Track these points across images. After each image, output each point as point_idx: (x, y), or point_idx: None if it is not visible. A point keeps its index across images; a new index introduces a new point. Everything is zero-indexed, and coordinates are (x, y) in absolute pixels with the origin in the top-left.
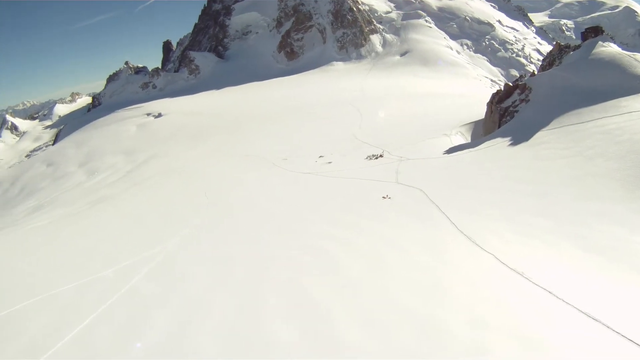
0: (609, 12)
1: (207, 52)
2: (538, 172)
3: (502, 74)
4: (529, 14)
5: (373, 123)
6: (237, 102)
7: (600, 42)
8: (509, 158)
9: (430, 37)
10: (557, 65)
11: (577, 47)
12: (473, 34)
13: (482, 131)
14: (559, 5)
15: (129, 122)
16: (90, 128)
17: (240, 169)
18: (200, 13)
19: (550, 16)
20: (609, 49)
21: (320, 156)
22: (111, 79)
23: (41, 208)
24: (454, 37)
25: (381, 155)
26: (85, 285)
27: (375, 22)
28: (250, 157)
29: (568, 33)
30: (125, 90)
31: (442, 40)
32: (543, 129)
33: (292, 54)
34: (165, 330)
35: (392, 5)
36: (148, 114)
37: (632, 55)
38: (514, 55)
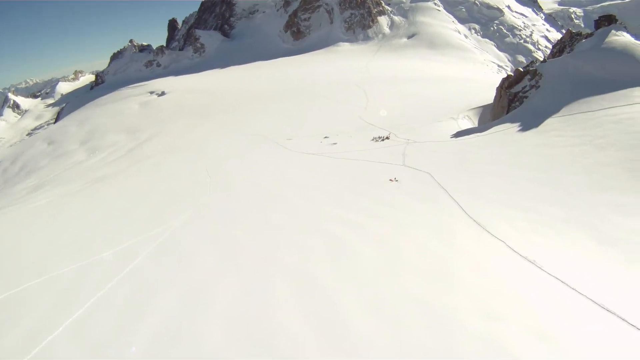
0: (620, 1)
1: (213, 31)
2: (548, 160)
3: (509, 60)
4: (538, 1)
5: (379, 105)
6: (241, 81)
7: (613, 31)
8: (518, 144)
9: (439, 20)
10: (569, 53)
11: (590, 34)
12: (482, 19)
13: (490, 116)
14: None
15: (131, 100)
16: (93, 106)
17: (244, 148)
18: None
19: (559, 3)
20: (622, 38)
21: (326, 137)
22: (115, 57)
23: (41, 187)
24: (462, 21)
25: (387, 138)
26: (85, 267)
27: (383, 4)
28: (254, 136)
29: (577, 21)
30: (129, 68)
31: (450, 24)
32: (553, 116)
33: (298, 33)
34: (167, 316)
35: None
36: (151, 92)
37: None
38: (522, 41)
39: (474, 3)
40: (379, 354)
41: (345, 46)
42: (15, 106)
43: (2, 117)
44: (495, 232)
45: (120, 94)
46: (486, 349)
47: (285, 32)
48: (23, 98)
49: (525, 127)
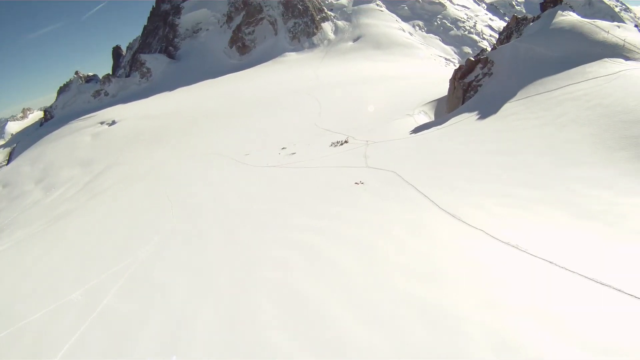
0: None
1: (158, 54)
2: (512, 143)
3: (455, 52)
4: None
5: (333, 110)
6: (191, 102)
7: (559, 12)
8: (480, 132)
9: (382, 20)
10: (517, 38)
11: (537, 17)
12: (425, 15)
13: (446, 108)
14: None
15: (83, 133)
16: (44, 143)
17: (203, 169)
18: (149, 15)
19: None
20: (569, 17)
21: (283, 148)
22: (62, 90)
23: (0, 232)
24: (405, 19)
25: (346, 141)
26: (54, 312)
27: (326, 10)
28: (211, 156)
29: (518, 7)
30: (77, 100)
31: (394, 23)
32: (510, 101)
33: (244, 48)
34: (150, 352)
35: None
36: (102, 123)
37: (592, 22)
38: (467, 32)
39: (416, 0)
40: None
41: (292, 56)
42: None
43: None
44: (472, 222)
45: (70, 128)
46: (492, 340)
47: (231, 47)
48: None
49: (484, 115)
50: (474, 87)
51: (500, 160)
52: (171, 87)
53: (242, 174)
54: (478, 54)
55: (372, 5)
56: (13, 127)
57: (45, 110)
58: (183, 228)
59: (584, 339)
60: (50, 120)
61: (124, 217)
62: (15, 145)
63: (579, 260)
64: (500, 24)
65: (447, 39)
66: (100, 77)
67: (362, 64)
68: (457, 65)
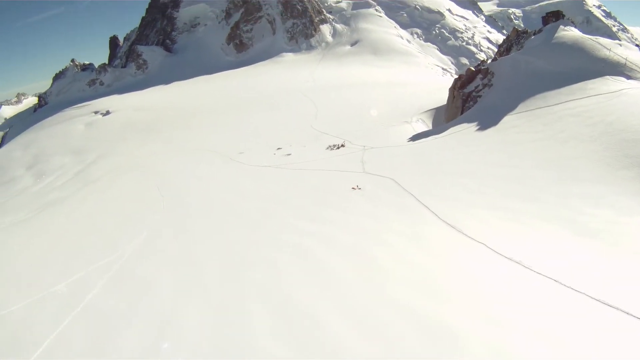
0: (558, 0)
1: (155, 46)
2: (512, 156)
3: (452, 62)
4: (478, 3)
5: (329, 113)
6: (186, 96)
7: (561, 26)
8: (479, 143)
9: (381, 26)
10: (518, 50)
11: (538, 31)
12: (423, 23)
13: (445, 117)
14: None
15: (76, 121)
16: (37, 129)
17: (195, 165)
18: (147, 6)
19: (498, 5)
20: (571, 32)
21: (279, 148)
22: (57, 77)
23: None
24: (404, 26)
25: (342, 145)
26: (37, 303)
27: (325, 12)
28: (204, 152)
29: (516, 22)
30: (72, 88)
31: (392, 30)
32: (510, 113)
33: (241, 45)
34: (134, 351)
35: None
36: (96, 112)
37: (594, 39)
38: (464, 43)
39: (415, 8)
40: None
41: (289, 56)
42: None
43: None
44: (473, 234)
45: (64, 115)
46: (492, 356)
47: (228, 44)
48: None
49: (483, 126)
50: (474, 98)
51: (501, 172)
52: (167, 80)
53: (236, 172)
54: (478, 65)
55: (372, 10)
56: (7, 112)
57: (40, 96)
58: (173, 223)
59: None
60: (45, 107)
61: (114, 208)
62: (8, 129)
63: (583, 280)
64: (498, 37)
65: (444, 49)
66: (96, 67)
67: (359, 69)
68: (455, 75)
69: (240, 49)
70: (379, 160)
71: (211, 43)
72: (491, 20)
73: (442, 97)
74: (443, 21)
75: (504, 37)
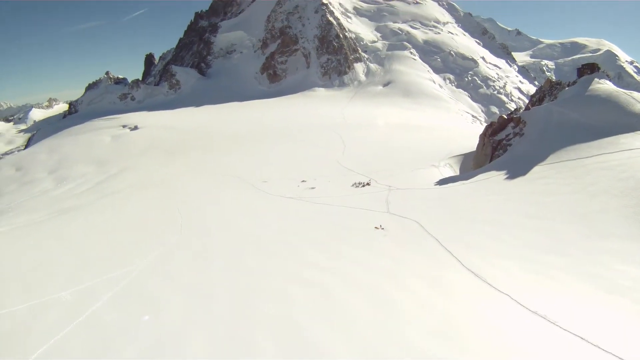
0: (590, 54)
1: (189, 68)
2: (540, 207)
3: (482, 110)
4: (512, 53)
5: (356, 151)
6: (216, 120)
7: (596, 79)
8: (507, 192)
9: (414, 69)
10: (550, 101)
11: (572, 83)
12: (456, 69)
13: (473, 164)
14: (541, 45)
15: (104, 132)
16: (64, 135)
17: (218, 188)
18: (186, 29)
19: (532, 56)
20: (606, 85)
21: (303, 181)
22: (90, 87)
23: (4, 213)
24: (437, 70)
25: (368, 184)
26: (38, 307)
27: (360, 51)
28: (228, 176)
29: (548, 73)
30: (104, 99)
31: (425, 73)
32: (540, 164)
33: (274, 76)
34: None
35: (379, 35)
36: (124, 126)
37: (628, 93)
38: (496, 92)
39: (449, 53)
40: None
41: (321, 91)
42: None
43: None
44: (497, 284)
45: (92, 125)
46: None
47: (262, 74)
48: None
49: (512, 175)
50: (504, 146)
51: (528, 223)
52: (198, 102)
53: (258, 200)
54: (511, 113)
55: (406, 52)
56: (37, 114)
57: (71, 104)
58: (188, 244)
59: None
60: (74, 114)
61: (130, 223)
62: (36, 132)
63: (611, 338)
64: (529, 88)
65: (475, 96)
66: (130, 81)
67: (390, 109)
68: (484, 124)
69: (274, 79)
70: (404, 202)
71: (245, 71)
72: (524, 70)
73: (470, 144)
74: (476, 68)
75: (536, 88)
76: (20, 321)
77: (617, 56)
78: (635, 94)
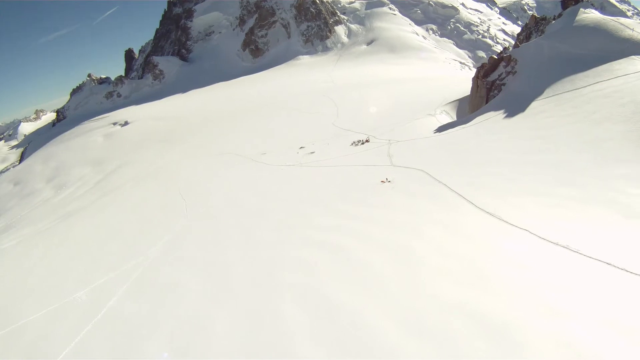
0: None
1: (171, 56)
2: (545, 142)
3: (469, 56)
4: None
5: (350, 111)
6: (205, 103)
7: (582, 9)
8: (509, 130)
9: (395, 24)
10: (539, 36)
11: (559, 16)
12: (438, 19)
13: (469, 108)
14: None
15: (95, 133)
16: (56, 142)
17: (217, 168)
18: (161, 18)
19: None
20: (592, 14)
21: (301, 147)
22: (75, 91)
23: (9, 229)
24: (419, 22)
25: (367, 141)
26: (56, 311)
27: (339, 13)
28: (226, 155)
29: (530, 12)
30: (90, 101)
31: (407, 27)
32: (537, 99)
33: (257, 50)
34: None
35: None
36: (114, 123)
37: (616, 20)
38: (480, 36)
39: (429, 4)
40: None
41: (305, 59)
42: None
43: None
44: (514, 221)
45: (82, 128)
46: (566, 355)
47: (244, 50)
48: None
49: (511, 113)
50: (498, 86)
51: (535, 158)
52: (184, 89)
53: (260, 173)
54: (501, 52)
55: (385, 8)
56: (26, 128)
57: (58, 111)
58: (197, 227)
59: None
60: (63, 121)
61: (135, 215)
62: (27, 145)
63: (638, 262)
64: (513, 28)
65: (460, 43)
66: (113, 79)
67: (377, 67)
68: (473, 69)
69: (257, 54)
70: (406, 153)
71: (227, 50)
72: (505, 12)
73: (463, 89)
74: (457, 15)
75: (521, 28)
76: (39, 329)
77: None
78: (622, 19)
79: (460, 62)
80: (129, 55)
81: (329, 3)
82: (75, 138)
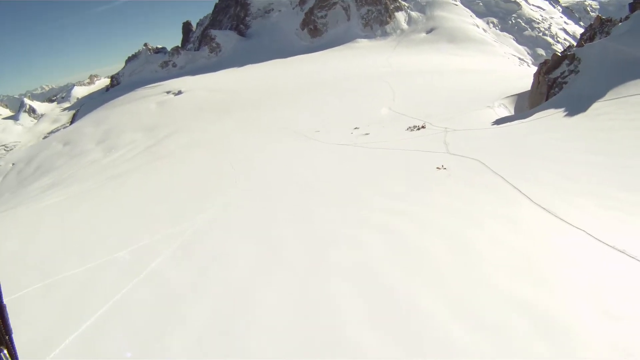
0: None
1: (229, 30)
2: (606, 144)
3: (528, 53)
4: None
5: (407, 97)
6: (261, 79)
7: None
8: (569, 129)
9: (457, 14)
10: (603, 37)
11: (625, 18)
12: (499, 12)
13: (528, 103)
14: None
15: (148, 100)
16: (109, 107)
17: (269, 142)
18: None
19: None
20: None
21: (356, 128)
22: (130, 59)
23: (56, 185)
24: (480, 15)
25: (423, 127)
26: (96, 268)
27: (400, 0)
28: (278, 130)
29: (593, 14)
30: (145, 69)
31: (468, 18)
32: (599, 100)
33: (315, 31)
34: (200, 325)
35: None
36: (168, 92)
37: None
38: (541, 34)
39: None
40: None
41: (363, 42)
42: (32, 111)
43: (18, 122)
44: (571, 220)
45: (136, 95)
46: (619, 357)
47: (302, 29)
48: (39, 103)
49: (572, 112)
50: (559, 84)
51: (594, 159)
52: (240, 63)
53: (313, 150)
54: (564, 50)
55: None
56: (79, 92)
57: (112, 77)
58: (248, 197)
59: None
60: (117, 87)
61: (184, 181)
62: (79, 108)
63: None
64: (575, 29)
65: (520, 39)
66: (169, 49)
67: (436, 56)
68: (531, 66)
69: (315, 34)
70: (463, 142)
71: (285, 28)
72: (568, 11)
73: (522, 85)
74: (519, 11)
75: (584, 29)
76: (78, 284)
77: None
78: None
79: (519, 58)
80: (186, 27)
81: None
82: (128, 104)
